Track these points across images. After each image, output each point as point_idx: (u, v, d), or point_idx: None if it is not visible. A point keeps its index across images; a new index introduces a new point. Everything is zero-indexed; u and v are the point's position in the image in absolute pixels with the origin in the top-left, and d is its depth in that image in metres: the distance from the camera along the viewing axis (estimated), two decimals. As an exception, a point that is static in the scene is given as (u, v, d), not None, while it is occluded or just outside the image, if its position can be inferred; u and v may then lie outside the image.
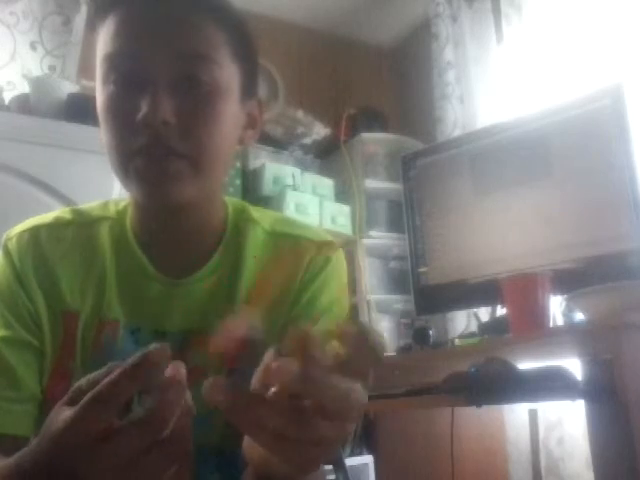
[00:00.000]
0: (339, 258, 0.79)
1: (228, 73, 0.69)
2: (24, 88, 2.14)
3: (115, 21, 0.66)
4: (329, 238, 0.80)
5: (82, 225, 0.76)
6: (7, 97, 2.07)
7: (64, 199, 1.89)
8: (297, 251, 0.76)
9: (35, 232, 0.75)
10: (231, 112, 0.70)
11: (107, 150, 0.68)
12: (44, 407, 0.70)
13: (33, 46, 2.39)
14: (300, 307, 0.74)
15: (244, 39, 0.72)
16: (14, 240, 0.75)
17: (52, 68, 2.39)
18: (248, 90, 0.74)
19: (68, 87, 2.06)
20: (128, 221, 0.77)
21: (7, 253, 0.74)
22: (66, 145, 1.93)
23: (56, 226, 0.76)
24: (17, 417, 0.68)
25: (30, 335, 0.71)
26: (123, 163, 0.66)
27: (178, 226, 0.73)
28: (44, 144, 1.91)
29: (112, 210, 0.79)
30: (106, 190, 1.94)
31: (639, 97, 1.63)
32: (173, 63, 0.65)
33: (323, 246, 0.77)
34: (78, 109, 1.98)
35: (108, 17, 0.67)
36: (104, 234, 0.75)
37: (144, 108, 0.62)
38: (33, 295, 0.71)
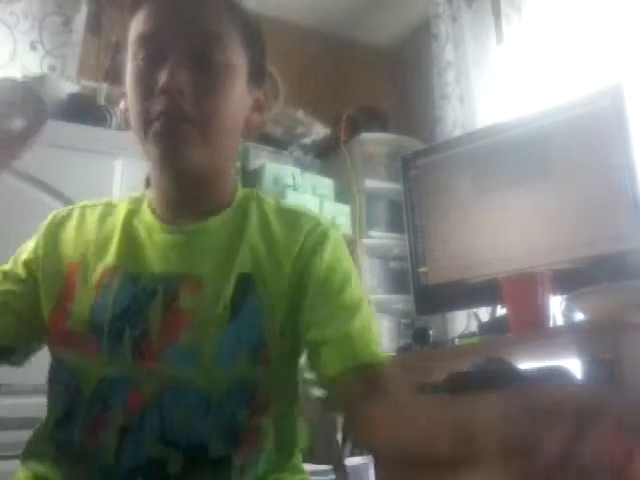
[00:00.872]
0: (339, 236, 0.84)
1: (238, 56, 0.79)
2: (24, 88, 2.14)
3: (145, 10, 0.78)
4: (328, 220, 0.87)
5: (106, 205, 0.89)
6: (7, 97, 2.07)
7: (64, 199, 1.89)
8: (296, 223, 0.83)
9: (72, 210, 0.89)
10: (239, 90, 0.80)
11: (132, 118, 0.78)
12: (49, 332, 0.79)
13: (33, 46, 2.39)
14: (317, 286, 0.78)
15: (253, 31, 0.83)
16: (50, 216, 0.89)
17: (52, 68, 2.39)
18: (256, 76, 0.84)
19: (68, 87, 2.06)
20: (146, 197, 0.88)
21: (43, 225, 0.88)
22: (66, 145, 1.93)
23: (91, 206, 0.89)
24: None
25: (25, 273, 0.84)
26: (144, 128, 0.76)
27: (187, 191, 0.82)
28: (44, 144, 1.91)
29: (135, 196, 0.90)
30: (106, 190, 1.94)
31: (639, 97, 1.63)
32: (190, 42, 0.76)
33: (321, 221, 0.84)
34: (78, 109, 1.98)
35: (140, 8, 0.79)
36: (121, 209, 0.87)
37: (163, 78, 0.73)
38: (41, 252, 0.84)
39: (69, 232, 0.85)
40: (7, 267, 0.85)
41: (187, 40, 0.76)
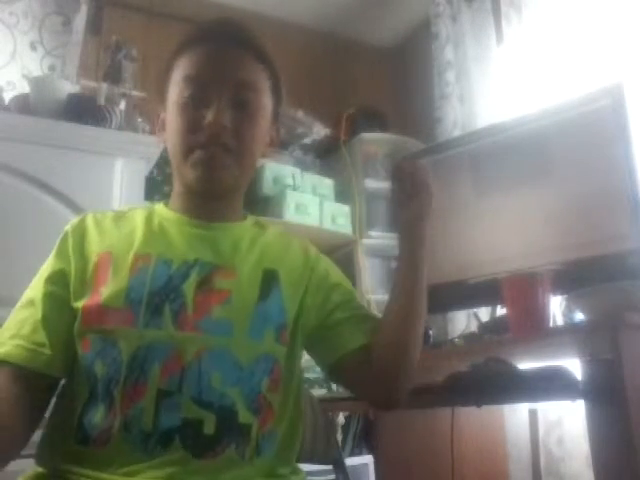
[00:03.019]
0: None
1: (267, 100, 0.99)
2: (24, 88, 2.14)
3: (193, 54, 0.95)
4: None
5: (115, 212, 1.02)
6: (7, 97, 2.07)
7: (64, 199, 1.89)
8: (298, 242, 1.06)
9: (84, 216, 0.99)
10: (265, 127, 1.00)
11: (172, 143, 0.95)
12: (81, 318, 0.87)
13: (33, 46, 2.39)
14: (324, 282, 1.02)
15: (278, 79, 1.02)
16: (72, 221, 0.98)
17: (52, 68, 2.39)
18: (275, 117, 1.03)
19: (68, 87, 2.06)
20: (162, 205, 1.02)
21: (65, 230, 0.97)
22: (66, 145, 1.93)
23: (100, 213, 1.01)
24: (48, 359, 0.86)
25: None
26: (185, 153, 0.92)
27: (211, 204, 0.98)
28: (44, 144, 1.91)
29: (140, 205, 1.06)
30: (106, 190, 1.94)
31: (639, 97, 1.63)
32: (231, 88, 0.93)
33: (308, 242, 1.09)
34: (78, 109, 1.98)
35: (187, 51, 0.95)
36: (135, 212, 1.00)
37: (210, 115, 0.91)
38: (70, 252, 0.93)
39: (91, 231, 0.95)
40: (43, 291, 0.91)
41: (229, 86, 0.93)
